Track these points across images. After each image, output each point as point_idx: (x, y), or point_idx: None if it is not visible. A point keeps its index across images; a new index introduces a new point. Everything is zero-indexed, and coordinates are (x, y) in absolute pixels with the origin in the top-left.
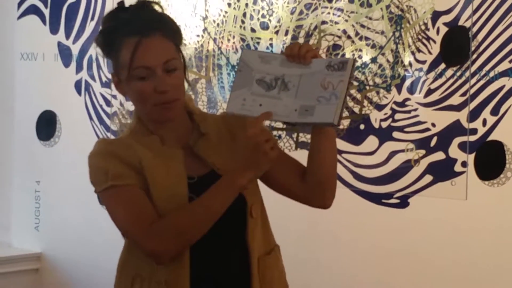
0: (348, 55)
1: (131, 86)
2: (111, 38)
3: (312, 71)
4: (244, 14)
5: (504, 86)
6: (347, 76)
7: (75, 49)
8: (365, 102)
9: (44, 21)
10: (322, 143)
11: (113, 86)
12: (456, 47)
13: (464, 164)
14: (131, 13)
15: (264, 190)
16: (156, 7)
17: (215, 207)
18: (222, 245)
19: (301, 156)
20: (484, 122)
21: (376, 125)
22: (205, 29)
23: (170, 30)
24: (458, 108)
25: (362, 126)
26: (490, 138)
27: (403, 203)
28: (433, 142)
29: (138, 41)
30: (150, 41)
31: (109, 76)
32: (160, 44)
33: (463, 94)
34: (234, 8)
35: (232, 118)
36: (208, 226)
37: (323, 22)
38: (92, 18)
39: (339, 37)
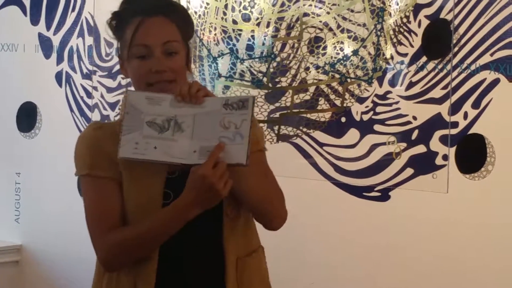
0: (329, 47)
1: (131, 64)
2: (119, 19)
3: (207, 110)
4: (226, 6)
5: (485, 79)
6: (249, 115)
7: (56, 40)
8: (347, 95)
9: (24, 12)
10: (240, 184)
11: (94, 77)
12: (437, 40)
13: (445, 157)
14: None
15: None
16: None
17: (159, 234)
18: (195, 243)
19: (283, 149)
20: (465, 115)
21: (358, 118)
22: None
23: (176, 14)
24: (439, 101)
25: (343, 119)
26: (471, 131)
27: (384, 196)
28: (414, 135)
29: (140, 20)
30: (152, 21)
31: (90, 68)
32: (162, 25)
33: (445, 87)
34: (216, 0)
35: None
36: (153, 248)
37: (305, 14)
38: (73, 9)
39: (321, 29)
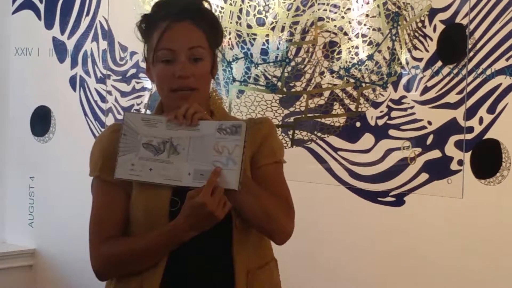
0: (344, 52)
1: (155, 68)
2: (148, 22)
3: (202, 134)
4: (241, 10)
5: (501, 84)
6: (242, 141)
7: (70, 44)
8: (361, 100)
9: (39, 16)
10: (234, 204)
11: (108, 82)
12: (453, 44)
13: (460, 162)
14: (173, 1)
15: None
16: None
17: (154, 253)
18: (204, 256)
19: (297, 154)
20: (481, 120)
21: (372, 123)
22: None
23: (204, 20)
24: (454, 106)
25: (358, 124)
26: (487, 136)
27: (399, 201)
28: (430, 140)
29: (167, 25)
30: (179, 26)
31: (104, 72)
32: (188, 31)
33: (460, 92)
34: (231, 4)
35: (251, 129)
36: (146, 264)
37: (320, 19)
38: (87, 14)
39: (336, 34)
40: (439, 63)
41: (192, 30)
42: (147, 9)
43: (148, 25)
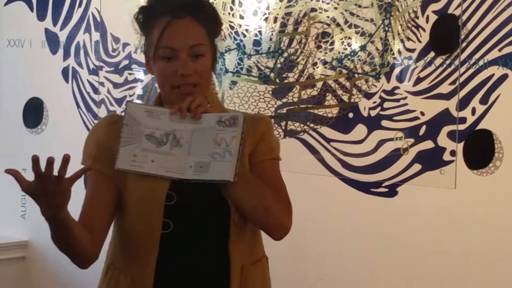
0: (337, 43)
1: (156, 65)
2: (146, 15)
3: (203, 126)
4: (233, 1)
5: (493, 74)
6: (239, 132)
7: (63, 36)
8: (354, 90)
9: (31, 8)
10: (229, 193)
11: (101, 73)
12: (445, 35)
13: (453, 153)
14: None
15: None
16: None
17: (54, 236)
18: (200, 249)
19: (290, 145)
20: (473, 111)
21: (365, 114)
22: None
23: (204, 16)
24: (447, 96)
25: (350, 115)
26: (479, 127)
27: (392, 192)
28: (422, 130)
29: (168, 21)
30: (180, 23)
31: (97, 63)
32: (189, 28)
33: (453, 83)
34: None
35: (248, 124)
36: (67, 248)
37: (312, 10)
38: (80, 5)
39: (328, 24)
40: (432, 54)
41: (193, 26)
42: (140, 0)
43: (146, 18)
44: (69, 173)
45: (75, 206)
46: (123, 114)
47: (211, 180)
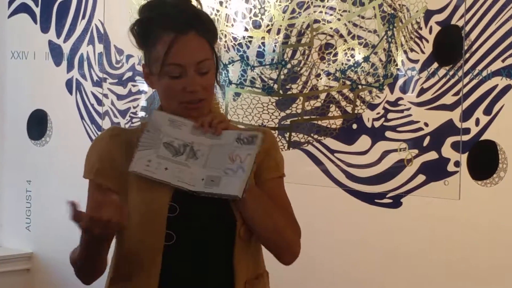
0: (340, 54)
1: (162, 81)
2: (147, 30)
3: (222, 142)
4: (236, 13)
5: (497, 85)
6: (255, 151)
7: (66, 48)
8: (358, 102)
9: (35, 20)
10: (245, 214)
11: (105, 85)
12: (448, 46)
13: (457, 163)
14: (170, 7)
15: None
16: (194, 3)
17: (86, 256)
18: (205, 263)
19: (294, 156)
20: (477, 122)
21: (369, 125)
22: None
23: (206, 28)
24: (451, 107)
25: (354, 126)
26: (483, 137)
27: (396, 203)
28: (426, 141)
29: (174, 38)
30: (186, 39)
31: (100, 75)
32: (195, 43)
33: (456, 94)
34: (226, 7)
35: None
36: (92, 267)
37: (316, 21)
38: (83, 17)
39: (332, 36)
40: (435, 65)
41: (198, 42)
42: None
43: (145, 32)
44: (73, 182)
45: None
46: (126, 126)
47: (220, 194)
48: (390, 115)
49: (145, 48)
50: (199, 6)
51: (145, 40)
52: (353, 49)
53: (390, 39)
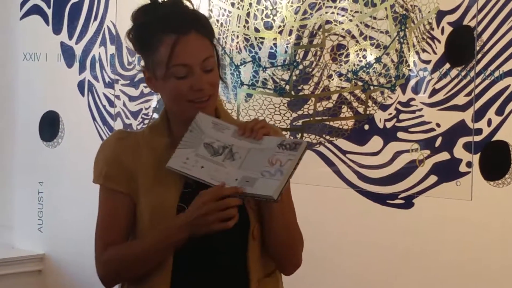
0: (352, 55)
1: (168, 83)
2: (146, 34)
3: (262, 147)
4: (248, 14)
5: (509, 86)
6: (297, 157)
7: (78, 49)
8: (370, 102)
9: (47, 21)
10: (268, 221)
11: (117, 86)
12: (461, 46)
13: (469, 164)
14: (166, 10)
15: None
16: (188, 4)
17: (151, 254)
18: (218, 263)
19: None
20: (489, 122)
21: (381, 125)
22: None
23: (204, 27)
24: (463, 108)
25: (366, 127)
26: (495, 138)
27: (408, 203)
28: (438, 142)
29: (176, 39)
30: (188, 39)
31: (112, 76)
32: (198, 42)
33: (468, 94)
34: (238, 8)
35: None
36: (147, 266)
37: (327, 22)
38: (95, 19)
39: (343, 37)
40: (447, 65)
41: (200, 41)
42: None
43: (146, 38)
44: (85, 183)
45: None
46: (138, 128)
47: (254, 194)
48: (402, 116)
49: (146, 52)
50: (191, 6)
51: (145, 44)
52: (365, 50)
53: (402, 40)
